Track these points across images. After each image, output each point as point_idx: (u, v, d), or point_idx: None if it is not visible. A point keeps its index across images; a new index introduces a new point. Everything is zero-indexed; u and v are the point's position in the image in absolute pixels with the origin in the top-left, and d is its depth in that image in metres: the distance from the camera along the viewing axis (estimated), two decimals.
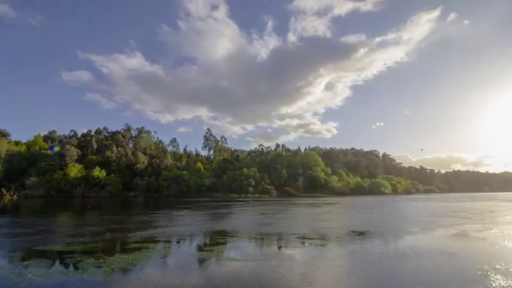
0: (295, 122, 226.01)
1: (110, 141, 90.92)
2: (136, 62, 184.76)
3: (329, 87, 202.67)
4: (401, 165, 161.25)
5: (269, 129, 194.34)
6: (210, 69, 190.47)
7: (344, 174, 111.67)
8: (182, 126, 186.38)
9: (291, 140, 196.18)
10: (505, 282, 6.46)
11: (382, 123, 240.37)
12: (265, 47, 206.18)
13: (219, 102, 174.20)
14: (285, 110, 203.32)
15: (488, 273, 7.11)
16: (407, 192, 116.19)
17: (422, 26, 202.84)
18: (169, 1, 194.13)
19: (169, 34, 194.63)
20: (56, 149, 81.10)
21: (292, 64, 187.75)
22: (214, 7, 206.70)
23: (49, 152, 79.86)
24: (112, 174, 78.18)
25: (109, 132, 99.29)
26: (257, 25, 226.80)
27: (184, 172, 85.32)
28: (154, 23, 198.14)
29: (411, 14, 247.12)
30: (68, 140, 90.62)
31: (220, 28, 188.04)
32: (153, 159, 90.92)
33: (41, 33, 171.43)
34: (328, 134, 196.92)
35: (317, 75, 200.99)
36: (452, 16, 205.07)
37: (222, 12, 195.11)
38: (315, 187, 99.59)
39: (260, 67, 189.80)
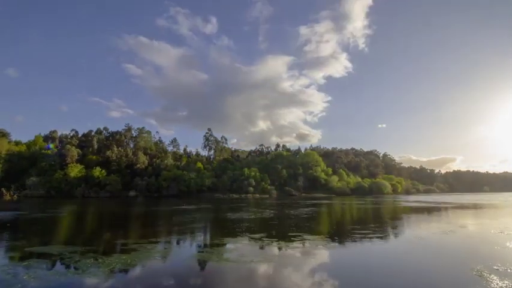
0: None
1: (111, 141, 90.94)
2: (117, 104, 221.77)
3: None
4: (402, 165, 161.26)
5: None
6: (173, 103, 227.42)
7: (344, 174, 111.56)
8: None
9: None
10: (502, 283, 6.34)
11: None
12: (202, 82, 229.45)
13: (190, 123, 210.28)
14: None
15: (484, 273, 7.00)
16: (407, 192, 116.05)
17: None
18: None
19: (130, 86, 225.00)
20: (51, 146, 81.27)
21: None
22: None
23: (49, 151, 79.92)
24: (112, 174, 78.18)
25: (109, 132, 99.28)
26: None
27: (184, 172, 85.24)
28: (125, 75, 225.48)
29: None
30: (69, 140, 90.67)
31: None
32: (153, 159, 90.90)
33: None
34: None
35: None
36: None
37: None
38: (315, 187, 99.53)
39: (200, 100, 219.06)
